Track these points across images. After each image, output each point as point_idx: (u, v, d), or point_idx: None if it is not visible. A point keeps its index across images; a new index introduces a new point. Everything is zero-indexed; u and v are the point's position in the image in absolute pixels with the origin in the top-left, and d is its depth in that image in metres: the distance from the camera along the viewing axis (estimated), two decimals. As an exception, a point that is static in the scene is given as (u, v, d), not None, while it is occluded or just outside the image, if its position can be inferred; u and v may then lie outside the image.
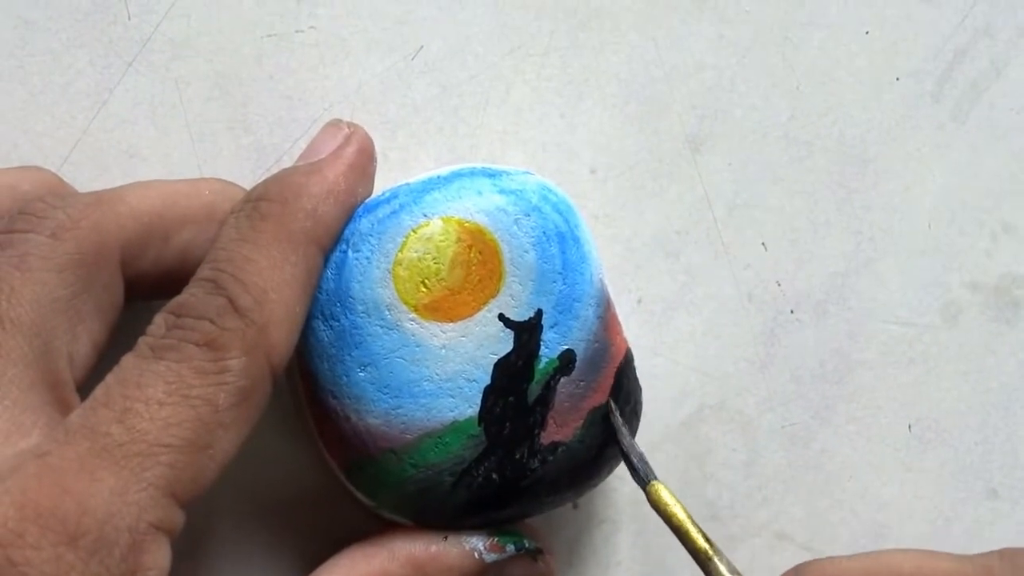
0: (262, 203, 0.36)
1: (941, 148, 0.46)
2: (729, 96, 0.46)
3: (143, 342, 0.34)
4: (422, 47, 0.44)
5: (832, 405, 0.46)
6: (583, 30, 0.45)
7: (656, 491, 0.39)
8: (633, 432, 0.41)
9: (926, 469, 0.46)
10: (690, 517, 0.39)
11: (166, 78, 0.43)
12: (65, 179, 0.41)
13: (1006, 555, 0.39)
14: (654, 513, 0.44)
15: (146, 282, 0.38)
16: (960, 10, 0.46)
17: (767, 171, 0.46)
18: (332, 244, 0.38)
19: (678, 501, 0.39)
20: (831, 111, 0.46)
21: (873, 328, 0.46)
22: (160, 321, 0.35)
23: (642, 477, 0.39)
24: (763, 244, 0.46)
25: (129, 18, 0.43)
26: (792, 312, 0.46)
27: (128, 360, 0.34)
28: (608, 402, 0.40)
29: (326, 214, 0.37)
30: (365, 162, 0.39)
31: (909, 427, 0.46)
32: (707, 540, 0.38)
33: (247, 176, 0.43)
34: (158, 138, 0.43)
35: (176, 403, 0.33)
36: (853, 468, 0.46)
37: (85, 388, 0.34)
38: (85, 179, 0.42)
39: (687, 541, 0.39)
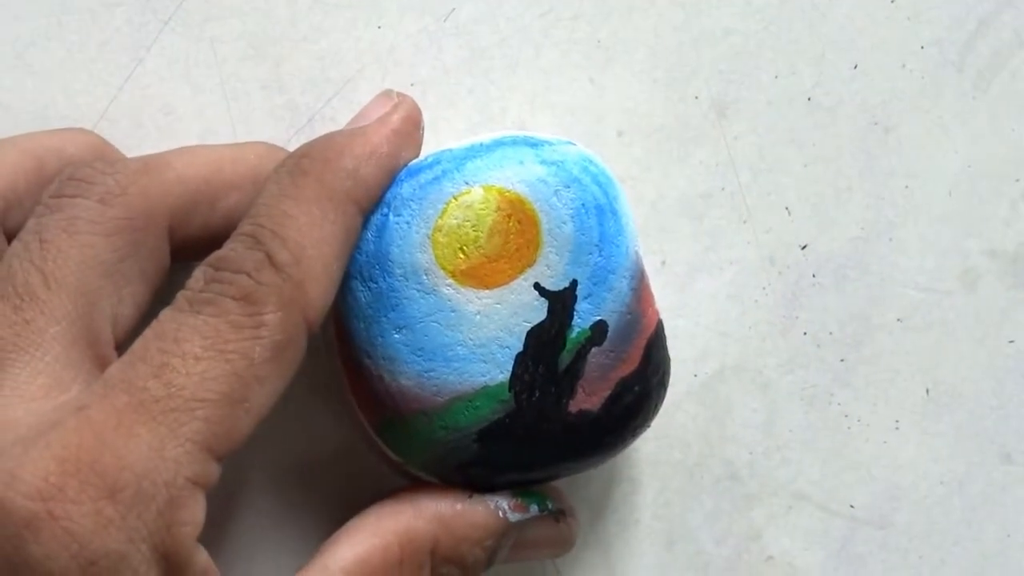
0: (304, 160, 0.36)
1: (963, 117, 0.47)
2: (755, 62, 0.46)
3: (181, 296, 0.34)
4: (454, 10, 0.44)
5: (851, 368, 0.46)
6: (614, -5, 0.45)
7: None
8: (660, 401, 0.41)
9: (942, 433, 0.47)
10: None
11: (201, 37, 0.43)
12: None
13: None
14: (675, 473, 0.45)
15: (192, 246, 0.38)
16: (985, -21, 0.47)
17: (791, 136, 0.46)
18: (372, 205, 0.38)
19: None
20: (855, 78, 0.46)
21: (893, 293, 0.46)
22: (199, 275, 0.35)
23: None
24: (786, 208, 0.46)
25: (165, -23, 0.43)
26: (814, 276, 0.46)
27: (166, 314, 0.34)
28: None
29: (367, 175, 0.37)
30: (410, 128, 0.39)
31: (927, 391, 0.47)
32: None
33: (280, 135, 0.43)
34: (193, 97, 0.43)
35: (212, 357, 0.33)
36: (870, 430, 0.46)
37: (125, 348, 0.35)
38: (121, 137, 0.42)
39: None
